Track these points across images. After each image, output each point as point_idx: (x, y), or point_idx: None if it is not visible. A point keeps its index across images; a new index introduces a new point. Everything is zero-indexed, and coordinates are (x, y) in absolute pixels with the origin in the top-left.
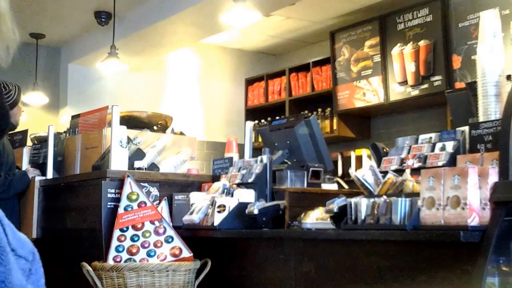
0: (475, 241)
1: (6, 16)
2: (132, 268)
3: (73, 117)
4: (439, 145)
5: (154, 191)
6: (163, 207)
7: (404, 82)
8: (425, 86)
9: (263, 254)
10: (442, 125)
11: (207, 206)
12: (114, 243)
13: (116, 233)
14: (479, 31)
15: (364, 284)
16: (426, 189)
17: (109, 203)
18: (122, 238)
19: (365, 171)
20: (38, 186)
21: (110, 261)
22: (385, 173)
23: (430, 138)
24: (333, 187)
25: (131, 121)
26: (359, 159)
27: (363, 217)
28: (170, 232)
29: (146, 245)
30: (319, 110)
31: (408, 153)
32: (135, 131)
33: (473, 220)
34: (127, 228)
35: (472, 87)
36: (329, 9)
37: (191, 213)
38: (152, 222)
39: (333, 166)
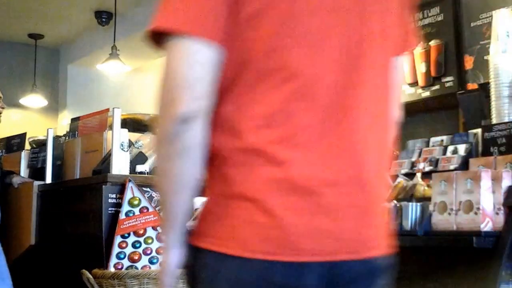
0: (488, 246)
1: None
2: (134, 275)
3: (73, 120)
4: (451, 148)
5: (157, 196)
6: None
7: (414, 83)
8: (436, 87)
9: None
10: (454, 127)
11: None
12: (115, 249)
13: (117, 239)
14: (492, 31)
15: None
16: (438, 193)
17: (110, 209)
18: (124, 245)
19: None
20: (36, 191)
21: (111, 268)
22: (395, 177)
23: (442, 140)
24: None
25: (132, 124)
26: None
27: None
28: None
29: (148, 251)
30: None
31: (419, 156)
32: (137, 134)
33: (486, 225)
34: (129, 234)
35: (485, 88)
36: None
37: (194, 219)
38: (154, 228)
39: None
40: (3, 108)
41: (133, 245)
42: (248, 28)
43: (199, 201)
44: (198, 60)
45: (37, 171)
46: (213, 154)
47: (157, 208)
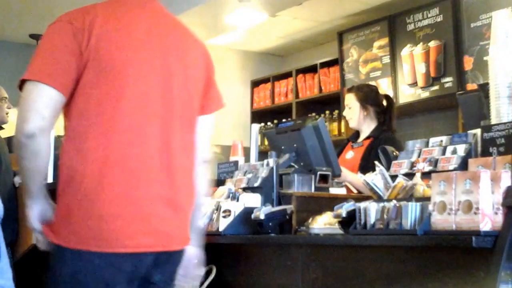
0: (487, 246)
1: None
2: None
3: None
4: (450, 149)
5: None
6: None
7: (414, 84)
8: (436, 87)
9: (269, 260)
10: (453, 127)
11: (212, 211)
12: None
13: None
14: (491, 32)
15: None
16: (437, 193)
17: None
18: None
19: (374, 175)
20: None
21: None
22: (394, 177)
23: (441, 141)
24: (342, 191)
25: None
26: None
27: (372, 222)
28: None
29: None
30: (327, 112)
31: (419, 156)
32: None
33: (486, 225)
34: None
35: (484, 88)
36: (337, 9)
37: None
38: None
39: (341, 169)
40: (9, 108)
41: None
42: (88, 87)
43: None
44: (44, 96)
45: None
46: (67, 166)
47: None
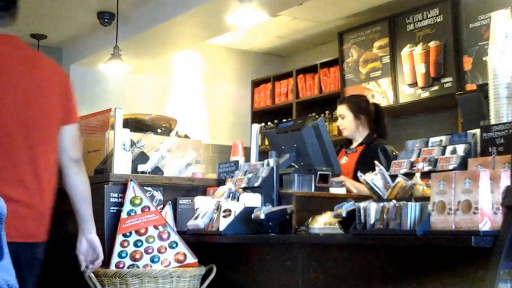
0: (486, 246)
1: None
2: (135, 274)
3: None
4: (449, 148)
5: (158, 195)
6: (167, 211)
7: (414, 84)
8: (436, 88)
9: (269, 260)
10: (452, 127)
11: (212, 210)
12: (117, 248)
13: (119, 238)
14: (490, 32)
15: None
16: (437, 193)
17: (111, 208)
18: (125, 244)
19: (374, 174)
20: None
21: (113, 267)
22: (394, 176)
23: (441, 141)
24: (342, 191)
25: (134, 124)
26: None
27: (372, 222)
28: (175, 237)
29: (150, 250)
30: (327, 112)
31: (418, 156)
32: (138, 134)
33: (485, 225)
34: (130, 233)
35: (483, 89)
36: (337, 9)
37: (196, 218)
38: (156, 227)
39: (341, 169)
40: None
41: (135, 244)
42: None
43: (202, 202)
44: None
45: None
46: None
47: (158, 208)
